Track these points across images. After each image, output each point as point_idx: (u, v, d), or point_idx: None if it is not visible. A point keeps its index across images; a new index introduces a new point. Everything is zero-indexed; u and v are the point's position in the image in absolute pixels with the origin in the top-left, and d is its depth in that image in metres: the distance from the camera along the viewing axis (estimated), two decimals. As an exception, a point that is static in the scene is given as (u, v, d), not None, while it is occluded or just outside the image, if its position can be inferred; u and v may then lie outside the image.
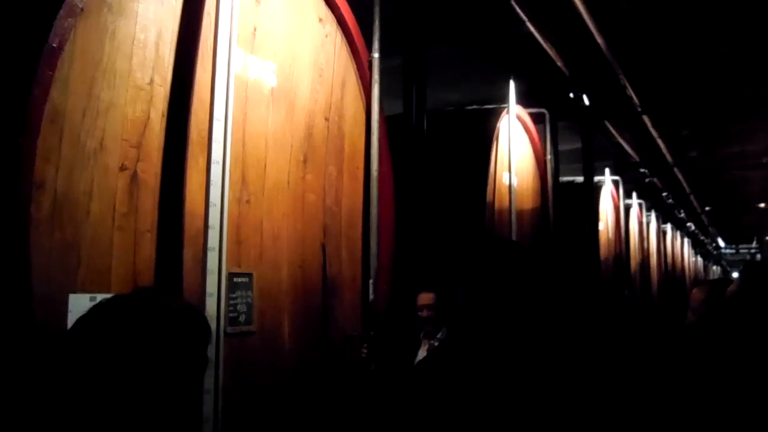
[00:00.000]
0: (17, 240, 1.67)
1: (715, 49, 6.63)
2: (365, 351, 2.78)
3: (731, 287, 1.76)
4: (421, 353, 3.25)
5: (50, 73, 1.74)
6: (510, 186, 4.95)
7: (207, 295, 2.09)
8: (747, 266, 1.80)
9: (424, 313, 3.29)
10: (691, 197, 14.73)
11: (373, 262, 3.04)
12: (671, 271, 15.59)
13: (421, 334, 3.34)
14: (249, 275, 2.46)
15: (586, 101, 6.44)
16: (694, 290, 2.43)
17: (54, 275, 1.78)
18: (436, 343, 3.21)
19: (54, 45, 1.74)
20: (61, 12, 1.76)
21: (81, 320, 1.03)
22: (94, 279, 1.88)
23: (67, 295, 1.79)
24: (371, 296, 2.97)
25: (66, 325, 1.77)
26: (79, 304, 1.80)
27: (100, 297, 1.84)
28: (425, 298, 3.33)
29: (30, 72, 1.69)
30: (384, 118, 3.30)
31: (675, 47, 6.41)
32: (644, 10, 5.40)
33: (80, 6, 1.84)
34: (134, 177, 2.04)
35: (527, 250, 1.69)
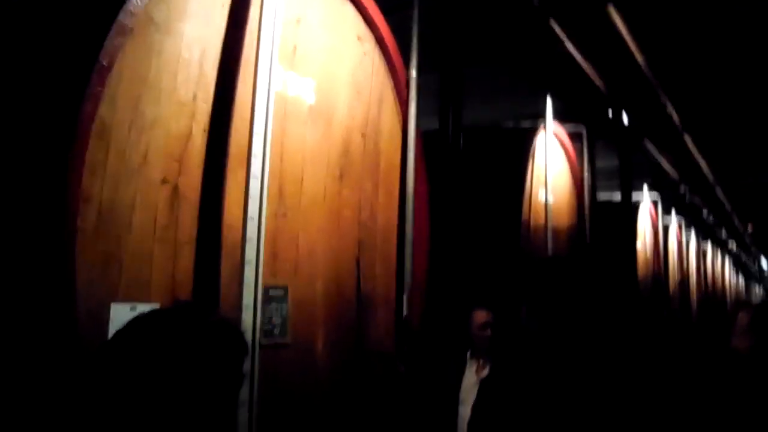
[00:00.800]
0: (63, 251, 1.73)
1: (756, 68, 6.47)
2: (402, 367, 2.78)
3: (738, 326, 1.71)
4: (469, 373, 3.22)
5: (100, 89, 1.80)
6: (546, 203, 4.90)
7: (243, 307, 2.12)
8: (759, 307, 1.76)
9: (480, 331, 3.25)
10: (733, 215, 14.31)
11: (407, 278, 3.03)
12: (712, 291, 15.14)
13: (468, 354, 3.28)
14: (284, 288, 2.48)
15: (626, 120, 6.34)
16: (741, 313, 2.35)
17: (97, 286, 1.83)
18: (489, 362, 3.16)
19: (104, 63, 1.81)
20: (112, 32, 1.83)
21: (119, 333, 1.05)
22: (135, 290, 1.93)
23: (109, 306, 1.84)
24: (405, 312, 2.96)
25: (107, 335, 1.82)
26: (120, 314, 1.85)
27: (140, 307, 1.90)
28: (482, 316, 3.29)
29: (81, 88, 1.76)
30: (420, 135, 3.32)
31: (716, 62, 6.28)
32: (685, 27, 5.31)
33: (129, 26, 1.90)
34: (175, 190, 2.09)
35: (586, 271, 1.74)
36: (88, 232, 1.82)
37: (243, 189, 2.25)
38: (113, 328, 1.83)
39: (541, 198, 4.91)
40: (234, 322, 1.34)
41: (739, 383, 2.00)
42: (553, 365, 1.72)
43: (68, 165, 1.75)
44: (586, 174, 5.81)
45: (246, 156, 2.27)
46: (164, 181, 2.05)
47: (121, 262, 1.90)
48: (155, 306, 1.91)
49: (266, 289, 2.34)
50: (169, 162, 2.07)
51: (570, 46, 4.87)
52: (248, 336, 2.12)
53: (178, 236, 2.08)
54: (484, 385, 1.88)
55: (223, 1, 2.32)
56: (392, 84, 3.30)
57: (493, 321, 3.25)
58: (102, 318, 1.84)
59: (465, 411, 3.04)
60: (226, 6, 2.33)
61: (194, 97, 2.18)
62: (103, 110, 1.85)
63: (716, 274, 16.03)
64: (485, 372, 3.14)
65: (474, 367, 3.23)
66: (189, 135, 2.15)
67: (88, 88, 1.77)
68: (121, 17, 1.88)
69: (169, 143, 2.07)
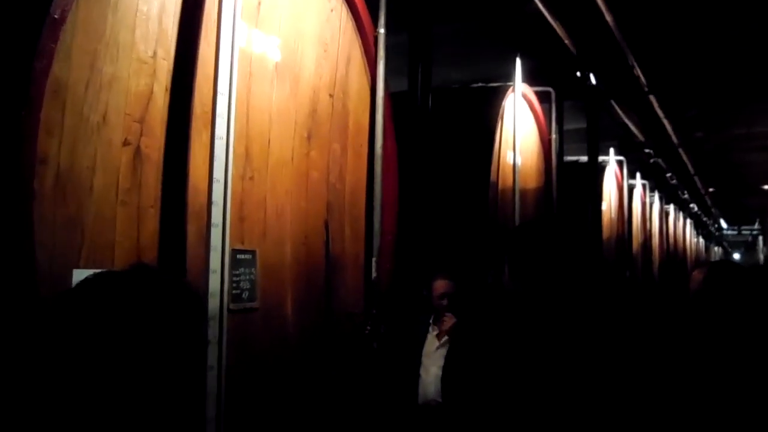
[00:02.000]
0: (21, 215, 1.66)
1: (724, 30, 6.53)
2: (369, 329, 2.79)
3: (693, 284, 1.78)
4: (431, 338, 3.22)
5: (52, 45, 1.71)
6: (514, 165, 4.93)
7: (210, 271, 2.09)
8: (713, 265, 1.84)
9: (440, 301, 3.23)
10: (695, 178, 14.66)
11: (376, 240, 3.03)
12: (673, 251, 15.59)
13: (431, 319, 3.28)
14: (252, 252, 2.46)
15: (593, 80, 6.37)
16: (695, 271, 2.42)
17: (58, 250, 1.78)
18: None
19: (56, 16, 1.71)
20: (63, -18, 1.73)
21: (66, 295, 1.00)
22: (98, 254, 1.88)
23: (71, 271, 1.79)
24: (374, 274, 2.97)
25: (70, 299, 1.77)
26: (82, 279, 1.80)
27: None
28: (442, 285, 3.26)
29: (32, 44, 1.67)
30: (389, 96, 3.27)
31: (684, 28, 6.32)
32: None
33: (82, -23, 1.80)
34: (137, 152, 2.02)
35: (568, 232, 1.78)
36: (46, 195, 1.75)
37: (208, 150, 2.19)
38: (76, 293, 1.78)
39: (510, 160, 4.93)
40: (193, 285, 1.30)
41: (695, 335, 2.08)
42: (519, 322, 1.75)
43: (22, 124, 1.67)
44: (553, 135, 5.84)
45: (210, 116, 2.20)
46: (126, 142, 1.98)
47: (83, 227, 1.84)
48: (119, 271, 1.87)
49: (234, 253, 2.31)
50: (130, 122, 2.00)
51: (540, 5, 4.83)
52: (216, 301, 2.09)
53: (141, 199, 2.02)
54: (452, 342, 1.92)
55: (183, -48, 2.21)
56: (360, 42, 3.23)
57: (452, 290, 3.24)
58: (65, 283, 1.79)
59: (426, 375, 3.10)
60: (186, -43, 2.22)
61: (154, 54, 2.09)
62: (57, 67, 1.76)
63: (678, 235, 16.50)
64: (445, 339, 3.17)
65: (435, 333, 3.24)
66: (150, 94, 2.07)
67: (40, 42, 1.68)
68: (73, -32, 1.77)
69: (129, 103, 2.00)
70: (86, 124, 1.86)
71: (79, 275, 1.81)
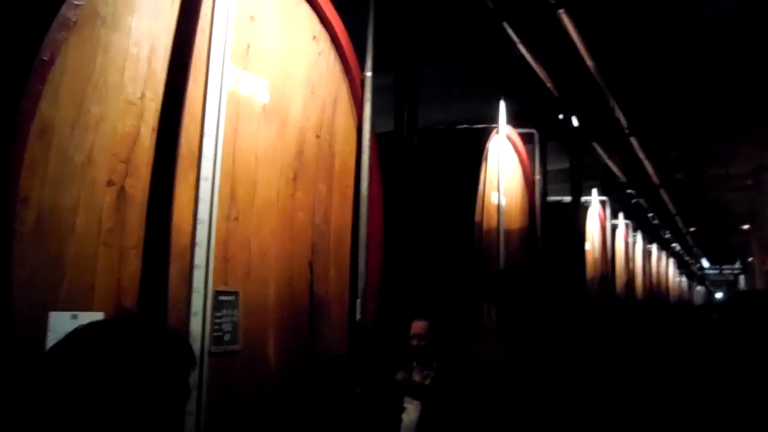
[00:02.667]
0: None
1: (701, 73, 6.73)
2: (352, 372, 2.75)
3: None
4: (413, 380, 3.18)
5: (40, 86, 1.72)
6: (499, 205, 4.97)
7: (192, 314, 2.06)
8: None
9: (416, 342, 3.21)
10: (677, 218, 14.87)
11: (361, 281, 3.02)
12: (656, 291, 15.70)
13: (414, 362, 3.25)
14: (235, 293, 2.43)
15: (575, 123, 6.50)
16: None
17: (36, 291, 1.75)
18: (432, 374, 3.13)
19: (45, 58, 1.72)
20: (54, 25, 1.75)
21: (57, 347, 0.99)
22: (77, 295, 1.85)
23: (48, 312, 1.75)
24: (358, 316, 2.94)
25: (45, 343, 1.73)
26: (59, 323, 1.76)
27: (82, 315, 1.82)
28: (417, 326, 3.24)
29: (20, 85, 1.67)
30: (375, 137, 3.30)
31: (662, 72, 6.51)
32: (633, 35, 5.47)
33: (73, 20, 1.82)
34: (122, 192, 2.01)
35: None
36: (26, 235, 1.73)
37: (193, 191, 2.19)
38: (52, 337, 1.75)
39: (494, 200, 4.97)
40: (180, 333, 1.28)
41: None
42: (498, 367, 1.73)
43: (5, 165, 1.66)
44: (537, 176, 5.92)
45: (197, 157, 2.21)
46: (110, 182, 1.97)
47: (62, 268, 1.81)
48: (98, 315, 1.84)
49: (216, 295, 2.28)
50: (116, 163, 1.99)
51: (523, 49, 4.95)
52: (197, 344, 2.06)
53: (124, 240, 2.00)
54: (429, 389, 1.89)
55: (173, -4, 2.25)
56: (347, 84, 3.27)
57: (428, 332, 3.21)
58: (42, 325, 1.75)
59: (407, 418, 3.05)
60: (177, 1, 2.26)
61: (142, 96, 2.10)
62: (44, 108, 1.76)
63: (660, 274, 16.64)
64: (427, 383, 3.13)
65: (417, 377, 3.20)
66: (137, 135, 2.07)
67: (28, 84, 1.69)
68: (64, 10, 1.79)
69: (115, 143, 1.99)
70: (71, 164, 1.86)
71: (56, 317, 1.78)
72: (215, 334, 2.28)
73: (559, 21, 4.50)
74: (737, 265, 29.56)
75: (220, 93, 2.27)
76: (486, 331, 1.90)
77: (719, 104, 7.50)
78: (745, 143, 9.50)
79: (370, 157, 3.20)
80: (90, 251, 1.90)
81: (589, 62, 5.24)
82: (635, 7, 5.11)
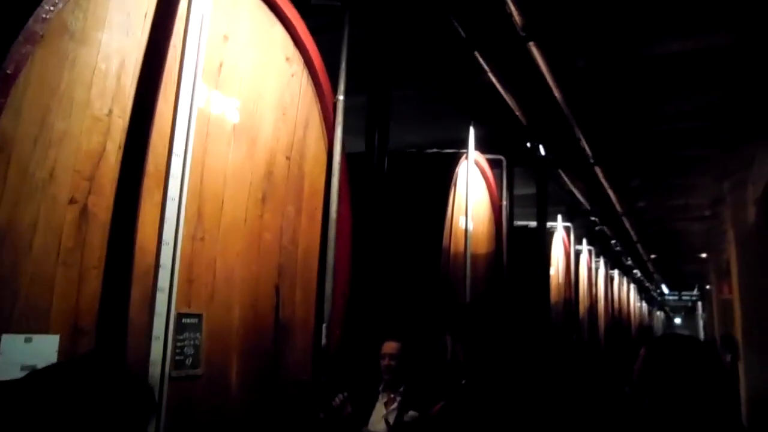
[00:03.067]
0: (-50, 274, 1.57)
1: (662, 108, 6.95)
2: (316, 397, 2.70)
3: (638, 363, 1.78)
4: (379, 406, 3.10)
5: (2, 99, 1.66)
6: (466, 230, 5.00)
7: (153, 338, 2.00)
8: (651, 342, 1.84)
9: (386, 362, 3.14)
10: (638, 245, 15.19)
11: (327, 305, 2.98)
12: (618, 315, 15.96)
13: (380, 387, 3.16)
14: (198, 316, 2.37)
15: (542, 151, 6.61)
16: (642, 350, 2.46)
17: (-12, 313, 1.67)
18: (398, 398, 3.07)
19: (8, 72, 1.67)
20: (20, 38, 1.70)
21: (12, 389, 0.94)
22: (33, 317, 1.77)
23: (0, 335, 1.68)
24: (324, 340, 2.90)
25: (-3, 367, 1.66)
26: (13, 345, 1.70)
27: (36, 338, 1.75)
28: (389, 347, 3.18)
29: (-21, 98, 1.62)
30: (345, 160, 3.30)
31: (625, 104, 6.69)
32: (599, 68, 5.62)
33: (40, 33, 1.78)
34: (84, 210, 1.95)
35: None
36: (-21, 254, 1.66)
37: (159, 211, 2.14)
38: (5, 360, 1.67)
39: (462, 225, 5.00)
40: (139, 376, 1.24)
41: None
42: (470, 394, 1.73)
43: (-40, 180, 1.59)
44: (504, 202, 5.99)
45: (163, 176, 2.16)
46: (72, 200, 1.91)
47: (17, 288, 1.74)
48: (53, 338, 1.77)
49: (179, 317, 2.22)
50: (79, 180, 1.94)
51: (493, 78, 5.02)
52: (157, 369, 1.99)
53: (84, 260, 1.94)
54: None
55: (146, 11, 2.22)
56: (319, 107, 3.27)
57: (400, 353, 3.16)
58: (-8, 348, 1.68)
59: None
60: (149, 17, 2.23)
61: (110, 112, 2.05)
62: (4, 121, 1.70)
63: (622, 300, 16.95)
64: (394, 406, 3.06)
65: (384, 400, 3.12)
66: (102, 152, 2.02)
67: (-11, 98, 1.63)
68: (31, 23, 1.75)
69: (79, 160, 1.94)
70: (31, 180, 1.80)
71: (8, 340, 1.71)
72: (177, 357, 2.22)
73: (528, 52, 4.59)
74: (695, 291, 30.32)
75: (190, 112, 2.23)
76: (451, 363, 1.87)
77: (679, 138, 7.73)
78: (703, 176, 9.80)
79: (340, 180, 3.19)
80: (47, 271, 1.83)
81: (557, 93, 5.34)
82: (601, 42, 5.25)
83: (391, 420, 2.97)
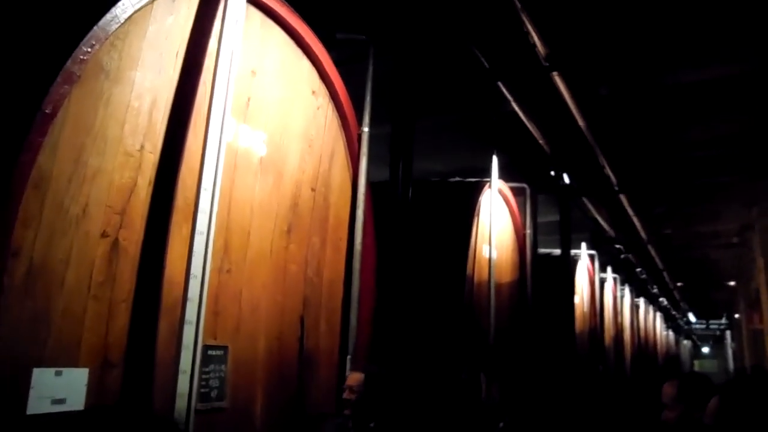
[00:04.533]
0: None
1: (687, 134, 6.89)
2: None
3: (711, 403, 1.72)
4: None
5: (40, 139, 1.71)
6: (490, 259, 4.97)
7: (180, 371, 2.01)
8: (726, 388, 1.78)
9: (345, 394, 2.70)
10: (664, 273, 14.94)
11: (352, 336, 2.98)
12: (644, 345, 15.62)
13: (349, 423, 2.69)
14: (224, 348, 2.38)
15: (566, 179, 6.58)
16: (665, 385, 2.42)
17: (20, 347, 1.70)
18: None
19: (47, 111, 1.73)
20: (58, 79, 1.76)
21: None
22: (63, 351, 1.80)
23: (32, 369, 1.70)
24: (348, 372, 2.88)
25: (27, 400, 1.68)
26: (43, 379, 1.72)
27: (66, 371, 1.77)
28: (351, 378, 2.75)
29: (20, 137, 1.67)
30: (370, 191, 3.32)
31: (650, 131, 6.65)
32: (623, 96, 5.61)
33: (78, 74, 1.83)
34: (115, 244, 1.99)
35: None
36: (15, 288, 1.69)
37: (187, 243, 2.17)
38: (35, 394, 1.69)
39: (485, 254, 4.97)
40: (165, 417, 1.23)
41: None
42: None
43: (-2, 217, 1.63)
44: (528, 230, 5.94)
45: (192, 210, 2.20)
46: (104, 234, 1.95)
47: (49, 323, 1.77)
48: (82, 371, 1.79)
49: (205, 349, 2.23)
50: (110, 215, 1.98)
51: (516, 107, 5.04)
52: (183, 401, 2.00)
53: (114, 293, 1.97)
54: None
55: (177, 50, 2.28)
56: (344, 139, 3.31)
57: (362, 387, 2.67)
58: (24, 382, 1.70)
59: None
60: (181, 55, 2.29)
61: (141, 148, 2.10)
62: (42, 159, 1.75)
63: (648, 329, 16.59)
64: None
65: None
66: (133, 187, 2.06)
67: (29, 137, 1.68)
68: (70, 64, 1.81)
69: (111, 195, 1.98)
70: (65, 216, 1.84)
71: (39, 374, 1.73)
72: (202, 390, 2.22)
73: (551, 82, 4.61)
74: (723, 320, 29.60)
75: (219, 147, 2.27)
76: (486, 404, 1.81)
77: (704, 165, 7.65)
78: (730, 202, 9.65)
79: (365, 211, 3.20)
80: (79, 305, 1.86)
81: (581, 121, 5.34)
82: (623, 71, 5.25)
83: None
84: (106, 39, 1.94)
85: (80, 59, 1.83)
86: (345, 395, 2.71)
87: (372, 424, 2.62)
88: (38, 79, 1.76)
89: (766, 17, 4.47)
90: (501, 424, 1.78)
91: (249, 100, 2.63)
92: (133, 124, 2.07)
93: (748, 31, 4.70)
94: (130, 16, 2.03)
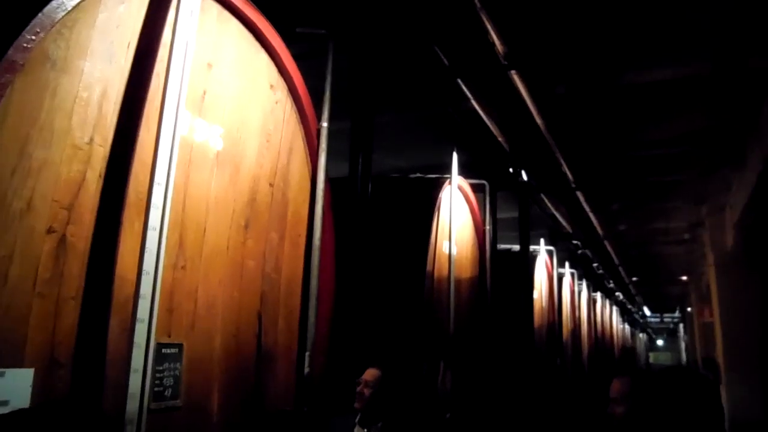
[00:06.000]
0: None
1: (640, 133, 7.09)
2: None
3: (613, 393, 1.74)
4: None
5: (-20, 130, 1.64)
6: (450, 254, 5.01)
7: (132, 370, 1.96)
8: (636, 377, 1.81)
9: (359, 388, 2.96)
10: (620, 268, 15.33)
11: (311, 332, 2.96)
12: (601, 338, 16.01)
13: (356, 419, 2.95)
14: (179, 345, 2.33)
15: (525, 176, 6.68)
16: (615, 380, 2.45)
17: (-40, 347, 1.63)
18: (374, 429, 2.87)
19: (-13, 101, 1.66)
20: (-1, 68, 1.69)
21: None
22: (6, 351, 1.73)
23: (-27, 370, 1.63)
24: (307, 369, 2.87)
25: (-31, 403, 1.61)
26: (-14, 380, 1.65)
27: (10, 373, 1.71)
28: (368, 373, 2.99)
29: (-43, 128, 1.60)
30: (329, 187, 3.29)
31: (605, 130, 6.81)
32: (579, 95, 5.72)
33: (20, 62, 1.76)
34: (62, 240, 1.92)
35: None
36: (-47, 286, 1.62)
37: (139, 240, 2.11)
38: (-24, 396, 1.63)
39: (446, 249, 5.01)
40: (109, 419, 1.20)
41: None
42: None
43: (-65, 211, 1.56)
44: (487, 226, 6.02)
45: (145, 205, 2.14)
46: (50, 230, 1.88)
47: (-9, 321, 1.70)
48: (28, 372, 1.73)
49: (159, 347, 2.18)
50: (57, 209, 1.91)
51: (476, 104, 5.09)
52: (135, 402, 1.95)
53: (62, 290, 1.90)
54: None
55: (129, 40, 2.21)
56: (303, 133, 3.28)
57: (377, 382, 2.91)
58: (-36, 383, 1.63)
59: None
60: (133, 46, 2.22)
61: (91, 141, 2.04)
62: (-18, 152, 1.68)
63: (605, 322, 17.02)
64: None
65: None
66: (82, 181, 2.00)
67: (-33, 127, 1.61)
68: (11, 53, 1.74)
69: (58, 189, 1.91)
70: (8, 210, 1.77)
71: (-19, 375, 1.66)
72: (156, 389, 2.18)
73: (510, 80, 4.66)
74: (677, 313, 30.58)
75: (173, 140, 2.22)
76: (438, 391, 1.82)
77: (658, 163, 7.88)
78: (682, 200, 9.97)
79: (324, 207, 3.18)
80: (23, 303, 1.79)
81: (538, 119, 5.43)
82: (581, 69, 5.36)
83: None
84: (52, 27, 1.87)
85: (23, 47, 1.76)
86: (359, 388, 2.86)
87: (379, 424, 2.69)
88: (-22, 67, 1.68)
89: (718, 20, 4.62)
90: (447, 415, 1.80)
91: (205, 93, 2.58)
92: (82, 115, 2.00)
93: (702, 33, 4.86)
94: (78, 4, 1.97)
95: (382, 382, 2.95)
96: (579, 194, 7.96)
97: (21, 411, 0.97)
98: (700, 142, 7.03)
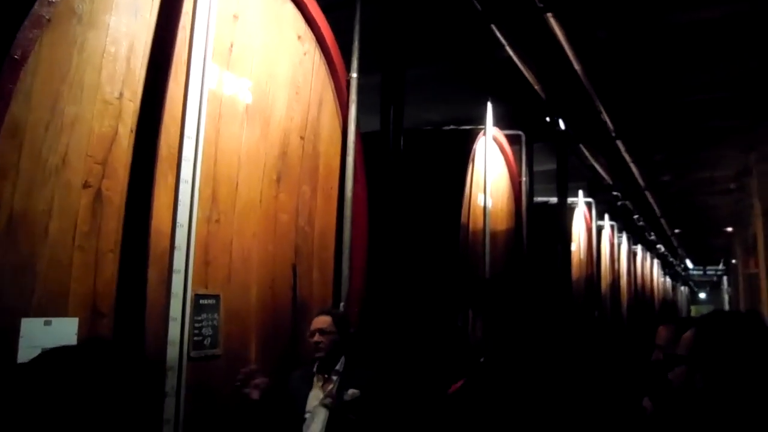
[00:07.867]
0: (-32, 260, 1.59)
1: (686, 79, 6.77)
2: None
3: (686, 335, 1.70)
4: (315, 392, 2.53)
5: (10, 86, 1.66)
6: (485, 207, 4.95)
7: (170, 319, 2.02)
8: (701, 320, 1.74)
9: (315, 338, 2.57)
10: (662, 220, 14.97)
11: (345, 284, 2.98)
12: (641, 291, 15.81)
13: (314, 368, 2.59)
14: (216, 297, 2.39)
15: (562, 125, 6.50)
16: (660, 327, 2.39)
17: (6, 298, 1.69)
18: (335, 377, 2.53)
19: (16, 57, 1.67)
20: (26, 23, 1.70)
21: (22, 372, 0.95)
22: (50, 302, 1.80)
23: (20, 319, 1.70)
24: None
25: (17, 350, 1.68)
26: (32, 329, 1.72)
27: (55, 321, 1.77)
28: (319, 321, 2.61)
29: (-11, 84, 1.62)
30: (360, 139, 3.27)
31: (649, 76, 6.53)
32: (621, 38, 5.48)
33: (47, 17, 1.77)
34: (98, 194, 1.96)
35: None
36: (-4, 239, 1.68)
37: (173, 193, 2.14)
38: (25, 343, 1.70)
39: (480, 202, 4.95)
40: (152, 362, 1.23)
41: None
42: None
43: (-26, 167, 1.60)
44: (523, 178, 5.91)
45: (176, 159, 2.16)
46: (86, 185, 1.92)
47: (34, 273, 1.76)
48: (72, 321, 1.80)
49: (197, 298, 2.24)
50: (92, 164, 1.94)
51: (511, 52, 4.93)
52: (175, 349, 2.01)
53: (100, 244, 1.95)
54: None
55: (154, -7, 2.20)
56: (333, 85, 3.24)
57: (331, 328, 2.58)
58: (14, 332, 1.70)
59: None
60: (158, -1, 2.21)
61: (120, 95, 2.05)
62: (15, 108, 1.71)
63: (645, 276, 16.76)
64: (331, 387, 2.52)
65: (320, 384, 2.55)
66: (114, 136, 2.02)
67: (-1, 84, 1.63)
68: (37, 7, 1.74)
69: (91, 144, 1.94)
70: (44, 166, 1.80)
71: (28, 324, 1.73)
72: (195, 338, 2.24)
73: (546, 24, 4.49)
74: (721, 266, 29.86)
75: (201, 93, 2.22)
76: (470, 339, 1.81)
77: (704, 109, 7.54)
78: (728, 148, 9.57)
79: (355, 159, 3.17)
80: (64, 256, 1.85)
81: (577, 66, 5.23)
82: (622, 11, 5.11)
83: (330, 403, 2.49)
84: (76, -20, 1.86)
85: (48, 2, 1.76)
86: (314, 339, 2.58)
87: (338, 366, 2.51)
88: (4, 24, 1.69)
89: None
90: (481, 359, 1.79)
91: (232, 45, 2.56)
92: (111, 70, 2.01)
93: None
94: (100, -43, 1.95)
95: (337, 325, 2.63)
96: (619, 143, 7.71)
97: (68, 347, 1.00)
98: (750, 86, 6.69)
